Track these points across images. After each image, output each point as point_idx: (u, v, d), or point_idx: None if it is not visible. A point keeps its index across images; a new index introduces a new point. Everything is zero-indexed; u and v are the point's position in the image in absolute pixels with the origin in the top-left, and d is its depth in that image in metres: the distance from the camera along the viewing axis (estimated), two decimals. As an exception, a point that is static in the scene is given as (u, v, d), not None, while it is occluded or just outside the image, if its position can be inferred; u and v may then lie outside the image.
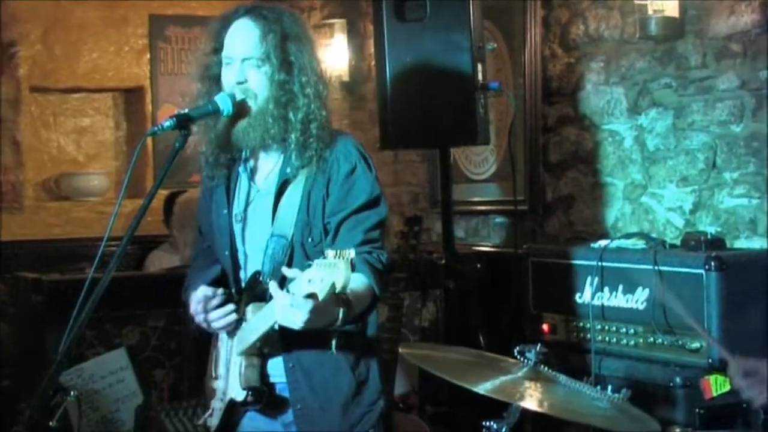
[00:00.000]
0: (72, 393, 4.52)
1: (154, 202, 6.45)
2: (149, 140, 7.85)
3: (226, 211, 3.90)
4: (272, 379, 3.80)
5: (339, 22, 8.19)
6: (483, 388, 3.35)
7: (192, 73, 3.88)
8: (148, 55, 9.25)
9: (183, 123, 3.56)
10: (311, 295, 3.21)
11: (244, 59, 3.69)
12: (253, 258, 3.81)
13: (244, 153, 3.85)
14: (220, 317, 3.78)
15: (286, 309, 3.34)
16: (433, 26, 5.30)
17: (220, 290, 3.79)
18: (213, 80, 3.78)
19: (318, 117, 3.73)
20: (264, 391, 3.71)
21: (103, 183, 9.15)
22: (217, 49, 3.77)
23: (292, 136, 3.70)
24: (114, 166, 9.41)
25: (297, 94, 3.71)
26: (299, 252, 3.68)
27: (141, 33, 9.26)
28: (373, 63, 5.65)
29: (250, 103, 3.70)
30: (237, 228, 3.89)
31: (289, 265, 3.56)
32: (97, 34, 9.09)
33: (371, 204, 3.73)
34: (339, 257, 3.17)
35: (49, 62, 8.92)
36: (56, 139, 9.31)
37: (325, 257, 3.19)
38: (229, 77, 3.71)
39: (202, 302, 3.79)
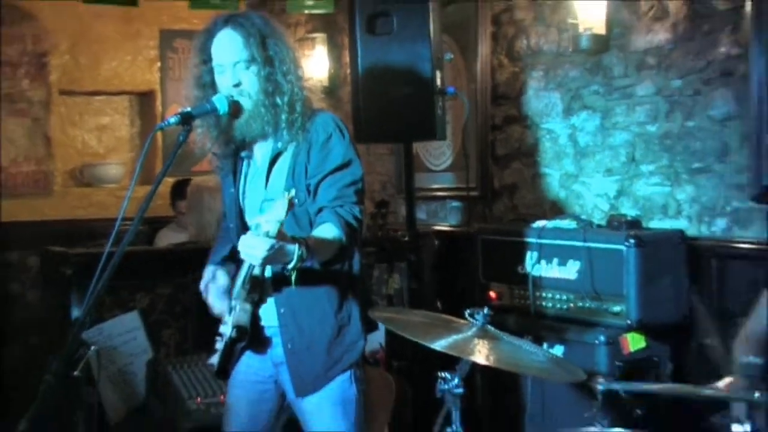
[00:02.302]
0: (92, 348, 4.51)
1: (163, 188, 6.49)
2: (159, 135, 7.82)
3: (232, 190, 3.92)
4: (265, 323, 3.81)
5: (320, 36, 8.20)
6: (439, 345, 3.35)
7: (188, 83, 3.86)
8: (159, 64, 9.27)
9: (185, 119, 3.56)
10: (266, 234, 3.26)
11: (234, 64, 3.69)
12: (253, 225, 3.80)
13: (245, 143, 3.85)
14: (215, 298, 3.84)
15: (246, 245, 3.36)
16: (399, 39, 5.28)
17: (223, 278, 3.82)
18: (208, 86, 3.77)
19: (301, 96, 3.76)
20: (247, 330, 3.69)
21: (119, 172, 9.19)
22: (206, 60, 3.76)
23: (282, 116, 3.71)
24: (129, 157, 9.45)
25: (281, 81, 3.72)
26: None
27: (153, 45, 9.28)
28: (348, 70, 5.64)
29: (244, 101, 3.70)
30: (242, 202, 3.91)
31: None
32: (115, 46, 9.14)
33: (345, 165, 3.72)
34: (281, 198, 3.27)
35: (76, 70, 8.97)
36: (81, 135, 9.35)
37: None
38: (224, 82, 3.71)
39: (207, 283, 3.85)
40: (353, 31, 5.41)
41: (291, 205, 3.29)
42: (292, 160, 3.76)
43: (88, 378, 4.58)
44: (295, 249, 3.41)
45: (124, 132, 9.56)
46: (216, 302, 3.84)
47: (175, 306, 5.63)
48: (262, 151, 3.86)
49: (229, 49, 3.71)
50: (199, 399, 4.86)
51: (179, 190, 7.18)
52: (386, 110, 5.29)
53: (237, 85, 3.70)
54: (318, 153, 3.72)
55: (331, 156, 3.72)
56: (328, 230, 3.59)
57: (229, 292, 3.81)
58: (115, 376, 5.15)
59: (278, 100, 3.71)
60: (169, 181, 7.37)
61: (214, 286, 3.85)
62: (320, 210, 3.68)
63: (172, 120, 3.56)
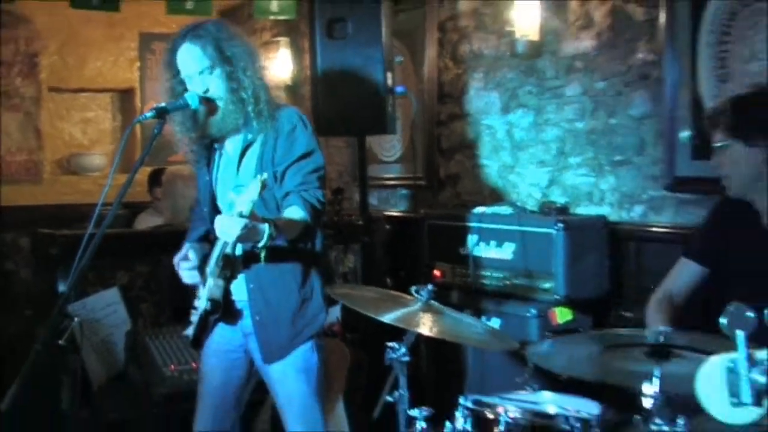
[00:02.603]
0: (76, 319, 4.49)
1: (141, 176, 6.45)
2: (138, 128, 7.85)
3: (207, 178, 3.93)
4: (236, 297, 3.82)
5: (283, 40, 8.16)
6: (388, 318, 3.35)
7: (163, 96, 3.84)
8: (138, 64, 9.24)
9: (160, 114, 3.57)
10: (240, 213, 3.29)
11: (199, 73, 3.69)
12: (225, 210, 3.79)
13: (220, 137, 3.86)
14: (185, 271, 3.85)
15: (222, 224, 3.39)
16: (354, 43, 5.26)
17: (194, 256, 3.83)
18: (181, 95, 3.75)
19: (263, 86, 3.77)
20: (220, 303, 3.71)
21: (102, 161, 9.22)
22: (175, 74, 3.76)
23: (249, 108, 3.71)
24: (111, 148, 9.47)
25: (242, 77, 3.71)
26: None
27: (133, 47, 9.27)
28: (309, 71, 5.62)
29: (218, 102, 3.71)
30: (215, 189, 3.92)
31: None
32: (99, 47, 9.13)
33: (309, 154, 3.73)
34: (254, 181, 3.32)
35: (63, 69, 8.96)
36: (68, 128, 9.34)
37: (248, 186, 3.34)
38: (194, 89, 3.72)
39: (180, 259, 3.86)
40: (313, 35, 5.38)
41: (263, 186, 3.33)
42: (260, 150, 3.76)
43: (73, 346, 4.56)
44: (265, 228, 3.42)
45: (106, 125, 9.55)
46: (185, 275, 3.86)
47: (151, 282, 5.62)
48: (233, 143, 3.85)
49: (190, 61, 3.71)
50: (173, 366, 4.84)
51: (156, 178, 7.16)
52: (342, 107, 5.28)
53: (206, 92, 3.71)
54: (284, 143, 3.73)
55: (295, 145, 3.73)
56: (294, 212, 3.61)
57: (197, 268, 3.82)
58: (98, 345, 5.12)
59: (243, 94, 3.71)
60: (147, 170, 7.34)
61: (185, 262, 3.85)
62: (287, 194, 3.69)
63: (148, 114, 3.59)
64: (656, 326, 3.40)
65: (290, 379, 3.85)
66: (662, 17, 4.65)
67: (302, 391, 3.85)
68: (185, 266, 3.85)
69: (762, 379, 1.40)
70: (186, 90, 3.75)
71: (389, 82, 5.31)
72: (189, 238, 4.04)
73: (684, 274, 3.69)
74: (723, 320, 1.43)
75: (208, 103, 3.71)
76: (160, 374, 4.81)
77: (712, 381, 1.42)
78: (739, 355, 1.41)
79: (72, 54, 8.99)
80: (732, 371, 1.42)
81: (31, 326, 5.98)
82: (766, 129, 3.30)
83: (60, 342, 4.02)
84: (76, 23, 8.76)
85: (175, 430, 4.69)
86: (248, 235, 3.38)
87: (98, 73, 9.16)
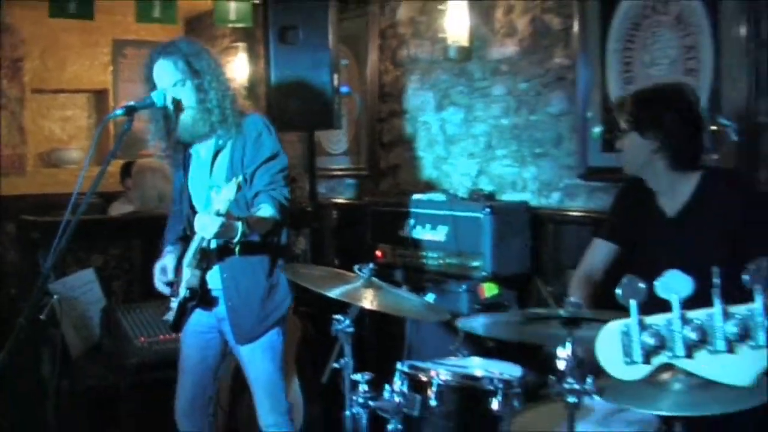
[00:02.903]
0: (55, 297, 4.49)
1: (114, 168, 6.40)
2: (111, 125, 7.79)
3: (183, 180, 3.94)
4: (211, 286, 3.83)
5: (241, 45, 8.14)
6: (334, 293, 3.35)
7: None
8: (111, 68, 9.18)
9: (129, 111, 3.57)
10: (217, 211, 3.36)
11: (172, 85, 3.72)
12: (200, 209, 3.81)
13: (192, 143, 3.87)
14: (159, 282, 3.90)
15: (201, 222, 3.45)
16: (304, 48, 5.25)
17: (170, 271, 3.87)
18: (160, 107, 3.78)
19: (228, 95, 3.80)
20: (198, 291, 3.74)
21: (79, 155, 9.19)
22: (153, 87, 3.77)
23: (214, 116, 3.73)
24: (87, 144, 9.41)
25: (208, 88, 3.74)
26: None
27: (107, 52, 9.21)
28: (264, 73, 5.60)
29: (187, 111, 3.74)
30: (190, 190, 3.92)
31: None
32: (77, 52, 9.08)
33: (274, 156, 3.78)
34: (231, 182, 3.37)
35: (45, 72, 8.91)
36: (48, 125, 9.27)
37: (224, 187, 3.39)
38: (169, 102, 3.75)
39: (158, 270, 3.90)
40: (267, 41, 5.37)
41: (239, 187, 3.39)
42: (230, 154, 3.78)
43: (53, 321, 4.56)
44: (239, 226, 3.49)
45: (83, 122, 9.46)
46: (159, 286, 3.92)
47: (123, 263, 5.59)
48: (205, 148, 3.86)
49: (164, 74, 3.73)
50: (143, 338, 4.82)
51: (127, 170, 7.08)
52: (294, 105, 5.28)
53: (176, 101, 3.73)
54: (251, 147, 3.76)
55: (262, 149, 3.76)
56: (265, 210, 3.67)
57: (170, 284, 3.87)
58: (76, 320, 5.08)
59: (209, 105, 3.74)
60: (120, 162, 7.30)
61: (162, 276, 3.90)
62: (257, 194, 3.73)
63: (118, 112, 3.60)
64: (570, 298, 3.45)
65: (258, 358, 3.90)
66: (576, 27, 4.70)
67: (268, 369, 3.91)
68: (161, 279, 3.90)
69: (651, 341, 1.44)
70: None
71: (336, 83, 5.32)
72: (167, 239, 4.06)
73: (597, 252, 3.73)
74: (618, 291, 1.47)
75: (175, 102, 3.71)
76: (131, 346, 4.80)
77: (608, 344, 1.46)
78: (632, 320, 1.44)
79: (52, 58, 8.93)
80: (626, 334, 1.45)
81: (15, 303, 5.95)
82: (658, 124, 3.36)
83: (41, 317, 4.03)
84: (57, 31, 8.69)
85: (145, 395, 4.70)
86: (224, 231, 3.45)
87: (75, 75, 9.09)
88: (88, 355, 5.07)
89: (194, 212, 3.82)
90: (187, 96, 3.73)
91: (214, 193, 3.46)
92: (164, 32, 7.42)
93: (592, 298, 3.57)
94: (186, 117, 3.75)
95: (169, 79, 3.72)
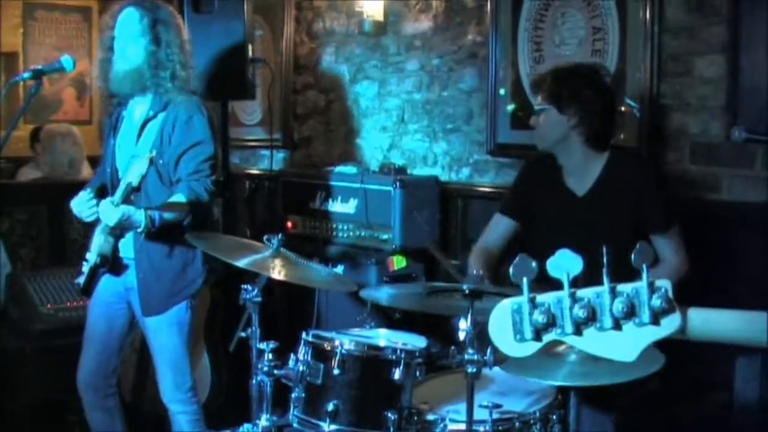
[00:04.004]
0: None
1: (24, 133, 6.29)
2: (20, 89, 7.63)
3: (112, 142, 3.90)
4: (123, 254, 3.82)
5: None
6: (243, 263, 3.37)
7: (99, 45, 3.89)
8: (21, 30, 8.97)
9: (37, 75, 3.51)
10: (129, 184, 3.45)
11: (129, 35, 3.72)
12: (122, 173, 3.79)
13: (126, 99, 3.85)
14: (82, 204, 3.70)
15: (103, 211, 3.51)
16: (219, 17, 5.20)
17: (88, 193, 3.74)
18: (110, 51, 3.78)
19: (179, 76, 3.79)
20: (108, 258, 3.74)
21: (-12, 121, 8.94)
22: (111, 27, 3.78)
23: (161, 87, 3.74)
24: (-4, 108, 9.17)
25: (162, 59, 3.74)
26: (153, 167, 3.70)
27: (17, 14, 8.96)
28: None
29: (121, 64, 3.73)
30: (116, 152, 3.88)
31: (145, 175, 3.65)
32: (-13, 16, 8.81)
33: (201, 143, 3.77)
34: (144, 157, 3.48)
35: (-49, 34, 8.64)
36: (-45, 89, 9.00)
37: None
38: (117, 48, 3.75)
39: (77, 200, 3.76)
40: (182, 9, 5.31)
41: (151, 162, 3.48)
42: (159, 128, 3.76)
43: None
44: (142, 220, 3.52)
45: (-9, 86, 9.28)
46: (84, 211, 3.70)
47: (31, 229, 5.50)
48: (138, 112, 3.84)
49: (125, 24, 3.73)
50: (50, 305, 4.79)
51: (36, 136, 6.99)
52: (208, 75, 5.23)
53: (123, 54, 3.73)
54: (181, 128, 3.75)
55: (191, 133, 3.75)
56: (178, 198, 3.67)
57: (93, 198, 3.71)
58: (-19, 286, 5.02)
59: (160, 74, 3.73)
60: (29, 127, 7.18)
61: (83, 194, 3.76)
62: (178, 181, 3.73)
63: (25, 75, 3.56)
64: (473, 270, 3.53)
65: (164, 332, 3.89)
66: (489, 5, 4.76)
67: (174, 343, 3.90)
68: (83, 199, 3.70)
69: (541, 319, 1.48)
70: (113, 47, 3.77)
71: (250, 53, 5.29)
72: (89, 185, 3.98)
73: (498, 228, 3.82)
74: (511, 269, 1.51)
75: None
76: (37, 312, 4.76)
77: (500, 321, 1.50)
78: (523, 298, 1.48)
79: (-41, 20, 8.70)
80: (517, 312, 1.49)
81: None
82: (576, 100, 3.44)
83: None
84: (-34, -4, 8.48)
85: (51, 361, 4.65)
86: (126, 222, 3.52)
87: (-15, 38, 8.89)
88: (-8, 319, 5.01)
89: (114, 180, 3.81)
90: (135, 53, 3.72)
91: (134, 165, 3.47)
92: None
93: (492, 271, 3.66)
94: (119, 68, 3.74)
95: (128, 28, 3.72)
